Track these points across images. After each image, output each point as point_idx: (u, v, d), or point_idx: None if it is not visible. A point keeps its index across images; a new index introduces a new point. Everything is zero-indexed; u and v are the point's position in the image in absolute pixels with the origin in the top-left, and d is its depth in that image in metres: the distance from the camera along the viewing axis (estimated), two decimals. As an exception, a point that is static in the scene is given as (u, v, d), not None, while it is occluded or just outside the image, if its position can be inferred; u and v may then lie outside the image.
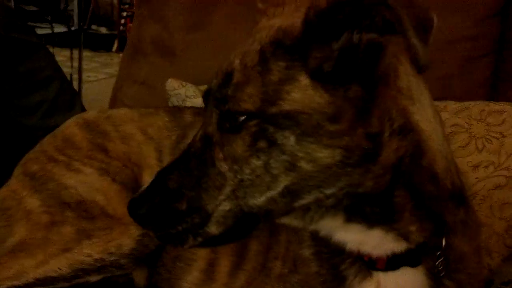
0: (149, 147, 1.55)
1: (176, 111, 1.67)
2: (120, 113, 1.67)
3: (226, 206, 0.97)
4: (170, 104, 2.01)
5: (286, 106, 0.91)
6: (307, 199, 0.96)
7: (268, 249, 1.35)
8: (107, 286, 1.44)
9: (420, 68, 0.83)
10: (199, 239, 1.00)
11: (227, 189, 0.97)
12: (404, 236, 1.03)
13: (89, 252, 1.35)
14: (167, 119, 1.60)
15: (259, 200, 0.96)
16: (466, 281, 1.14)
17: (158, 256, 1.50)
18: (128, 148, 1.56)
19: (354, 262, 1.12)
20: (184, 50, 2.20)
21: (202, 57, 2.14)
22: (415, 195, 1.00)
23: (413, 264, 1.08)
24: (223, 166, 0.97)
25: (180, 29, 2.22)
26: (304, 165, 0.92)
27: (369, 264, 1.10)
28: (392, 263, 1.07)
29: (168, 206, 0.99)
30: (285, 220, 1.04)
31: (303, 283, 1.20)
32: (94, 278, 1.38)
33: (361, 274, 1.12)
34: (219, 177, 0.97)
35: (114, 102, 2.36)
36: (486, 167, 1.61)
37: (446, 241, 1.08)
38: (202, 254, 1.44)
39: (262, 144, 0.92)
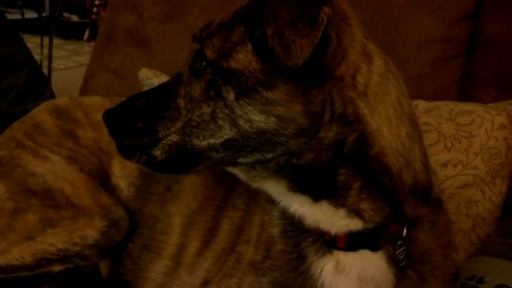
0: (121, 135, 1.54)
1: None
2: (92, 100, 1.65)
3: (174, 137, 1.06)
4: (142, 94, 1.99)
5: (232, 64, 1.00)
6: (249, 158, 1.04)
7: (240, 230, 1.36)
8: (74, 275, 1.43)
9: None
10: (144, 157, 1.09)
11: (178, 124, 1.06)
12: (356, 213, 1.06)
13: (53, 241, 1.34)
14: None
15: (201, 143, 1.04)
16: (430, 273, 1.17)
17: (123, 248, 1.49)
18: (98, 135, 1.54)
19: (316, 240, 1.15)
20: (158, 40, 2.18)
21: (176, 48, 2.12)
22: (365, 177, 1.04)
23: (372, 247, 1.11)
24: (181, 103, 1.07)
25: (154, 18, 2.20)
26: (243, 124, 0.99)
27: (330, 243, 1.13)
28: (352, 242, 1.10)
29: (128, 122, 1.10)
30: (232, 170, 1.13)
31: (274, 267, 1.22)
32: (57, 268, 1.37)
33: (321, 252, 1.15)
34: (175, 111, 1.07)
35: (85, 90, 2.32)
36: (455, 165, 1.64)
37: (408, 232, 1.11)
38: (172, 240, 1.44)
39: (212, 93, 1.02)
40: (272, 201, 1.21)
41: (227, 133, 1.01)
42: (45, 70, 4.12)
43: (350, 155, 1.03)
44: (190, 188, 1.46)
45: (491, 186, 1.62)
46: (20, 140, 1.50)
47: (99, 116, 1.54)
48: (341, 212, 1.06)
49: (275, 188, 1.10)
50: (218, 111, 1.01)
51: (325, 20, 0.90)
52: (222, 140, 1.02)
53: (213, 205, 1.43)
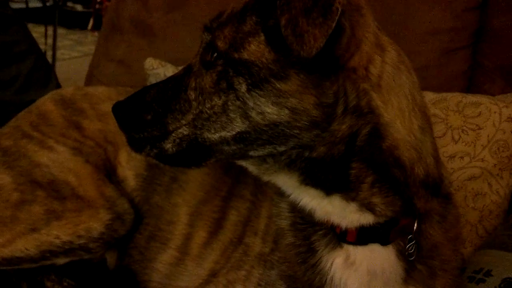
0: (127, 126, 1.54)
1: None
2: (98, 91, 1.64)
3: (184, 130, 1.06)
4: (148, 84, 1.98)
5: (245, 55, 0.99)
6: (260, 151, 1.03)
7: (247, 221, 1.35)
8: (80, 265, 1.43)
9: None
10: (155, 150, 1.09)
11: (189, 116, 1.05)
12: (368, 207, 1.05)
13: (58, 233, 1.33)
14: None
15: (213, 136, 1.04)
16: (439, 267, 1.16)
17: (129, 239, 1.49)
18: (104, 126, 1.54)
19: (326, 234, 1.15)
20: (163, 30, 2.17)
21: (181, 37, 2.12)
22: (377, 171, 1.04)
23: (383, 242, 1.10)
24: (191, 95, 1.06)
25: (159, 8, 2.19)
26: (255, 116, 0.98)
27: (340, 237, 1.12)
28: (362, 237, 1.10)
29: (137, 114, 1.09)
30: (242, 163, 1.12)
31: (282, 259, 1.21)
32: (61, 261, 1.38)
33: (331, 245, 1.14)
34: (186, 104, 1.06)
35: (90, 80, 2.32)
36: (462, 158, 1.63)
37: (418, 226, 1.11)
38: (179, 230, 1.44)
39: (223, 84, 1.01)
40: (281, 193, 1.20)
41: (239, 125, 1.00)
42: (49, 60, 4.12)
43: (363, 148, 1.02)
44: (196, 178, 1.46)
45: (498, 178, 1.62)
46: (26, 130, 1.50)
47: (105, 107, 1.56)
48: (353, 206, 1.06)
49: (287, 182, 1.09)
50: (229, 103, 1.00)
51: (339, 9, 0.89)
52: (234, 133, 1.01)
53: (219, 195, 1.43)
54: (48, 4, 5.58)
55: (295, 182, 1.07)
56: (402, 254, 1.12)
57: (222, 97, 1.01)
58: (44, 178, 1.41)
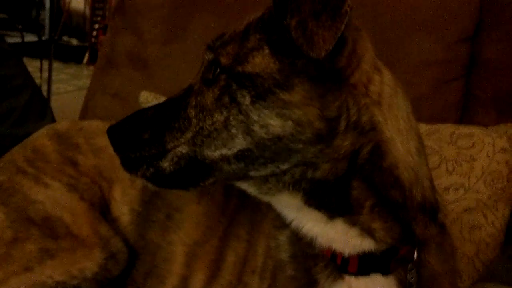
0: (122, 161, 1.53)
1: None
2: (93, 125, 1.64)
3: (183, 148, 1.05)
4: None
5: (249, 67, 1.00)
6: (263, 171, 1.03)
7: (245, 261, 1.34)
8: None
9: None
10: (151, 169, 1.07)
11: (189, 134, 1.05)
12: (368, 232, 1.06)
13: (51, 273, 1.31)
14: None
15: (213, 153, 1.03)
16: None
17: (125, 277, 1.47)
18: (99, 162, 1.53)
19: (327, 266, 1.14)
20: (159, 63, 2.19)
21: (177, 70, 2.13)
22: (377, 193, 1.04)
23: (384, 271, 1.10)
24: (191, 112, 1.06)
25: (155, 41, 2.21)
26: (258, 129, 0.98)
27: (342, 268, 1.11)
28: (363, 266, 1.09)
29: (133, 133, 1.09)
30: (242, 185, 1.10)
31: None
32: (54, 301, 1.34)
33: (333, 277, 1.13)
34: (186, 122, 1.06)
35: (85, 113, 2.32)
36: (456, 189, 1.63)
37: (418, 255, 1.10)
38: (175, 270, 1.42)
39: (225, 99, 1.01)
40: (279, 226, 1.20)
41: (240, 142, 1.00)
42: (44, 94, 4.13)
43: (364, 167, 1.03)
44: (191, 217, 1.45)
45: (493, 210, 1.61)
46: (21, 165, 1.49)
47: (100, 141, 1.56)
48: (354, 230, 1.06)
49: (289, 202, 1.09)
50: (231, 118, 1.00)
51: (348, 13, 0.92)
52: (235, 150, 1.01)
53: (216, 236, 1.42)
54: (43, 38, 5.63)
55: (298, 203, 1.07)
56: (402, 285, 1.11)
57: (224, 112, 1.01)
58: (38, 215, 1.39)
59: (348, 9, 0.92)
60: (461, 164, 1.65)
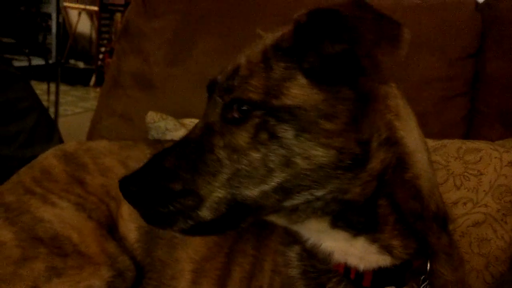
0: (129, 179, 1.53)
1: (157, 143, 1.67)
2: (100, 145, 1.65)
3: (220, 193, 0.99)
4: (149, 137, 2.00)
5: (287, 100, 0.97)
6: (297, 200, 1.00)
7: (252, 277, 1.33)
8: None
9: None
10: (190, 222, 1.00)
11: (223, 177, 0.99)
12: (387, 249, 1.05)
13: None
14: (147, 151, 1.59)
15: (253, 192, 0.99)
16: None
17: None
18: (107, 181, 1.54)
19: (340, 281, 1.12)
20: (164, 84, 2.20)
21: (182, 91, 2.15)
22: (397, 208, 1.04)
23: (398, 284, 1.09)
24: (221, 154, 1.00)
25: (160, 63, 2.23)
26: (300, 161, 0.96)
27: (355, 282, 1.10)
28: (378, 280, 1.08)
29: (162, 185, 0.99)
30: (273, 218, 1.07)
31: None
32: (61, 320, 1.34)
33: None
34: (216, 164, 1.00)
35: (92, 134, 2.33)
36: (465, 204, 1.63)
37: (430, 266, 1.10)
38: (182, 285, 1.42)
39: (263, 136, 0.97)
40: (287, 243, 1.19)
41: (280, 175, 0.98)
42: (52, 116, 4.16)
43: (388, 182, 1.03)
44: None
45: (503, 224, 1.60)
46: (29, 186, 1.50)
47: (107, 161, 1.57)
48: (374, 247, 1.06)
49: (316, 227, 1.07)
50: (270, 154, 0.97)
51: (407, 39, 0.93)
52: (274, 184, 0.98)
53: (222, 251, 1.41)
54: (50, 62, 5.68)
55: (325, 226, 1.06)
56: None
57: (262, 149, 0.98)
58: (46, 234, 1.40)
59: (407, 36, 0.93)
60: (469, 179, 1.65)
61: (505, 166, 1.65)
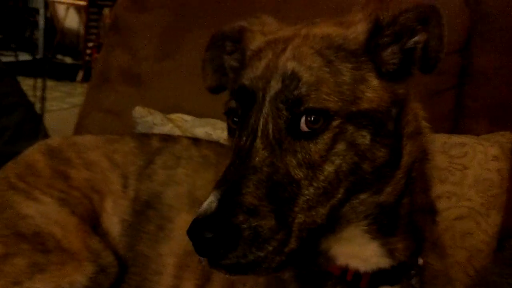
0: (114, 173, 1.53)
1: (143, 137, 1.67)
2: (85, 139, 1.65)
3: (300, 218, 0.90)
4: (137, 131, 2.00)
5: (364, 104, 0.94)
6: (346, 208, 0.97)
7: None
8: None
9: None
10: (279, 258, 0.88)
11: (301, 199, 0.90)
12: (390, 252, 1.04)
13: (41, 287, 1.31)
14: (133, 145, 1.59)
15: (326, 208, 0.93)
16: None
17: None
18: (91, 175, 1.53)
19: (336, 284, 1.10)
20: (152, 79, 2.20)
21: (170, 86, 2.14)
22: (412, 206, 1.04)
23: (392, 282, 1.08)
24: (298, 174, 0.91)
25: (149, 58, 2.22)
26: (366, 166, 0.94)
27: (352, 284, 1.08)
28: (374, 281, 1.07)
29: (253, 225, 0.85)
30: None
31: None
32: (43, 316, 1.33)
33: None
34: (294, 187, 0.90)
35: (79, 130, 2.32)
36: (449, 198, 1.64)
37: (422, 260, 1.10)
38: (166, 282, 1.42)
39: (340, 146, 0.92)
40: None
41: (344, 185, 0.93)
42: (38, 112, 4.13)
43: (414, 178, 1.02)
44: (182, 227, 1.43)
45: (486, 218, 1.62)
46: (13, 181, 1.49)
47: (92, 155, 1.56)
48: (381, 251, 1.04)
49: (347, 235, 1.02)
50: (344, 164, 0.92)
51: None
52: (340, 196, 0.93)
53: None
54: (37, 57, 5.64)
55: (357, 233, 1.02)
56: None
57: (336, 161, 0.91)
58: (29, 230, 1.39)
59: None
60: (453, 173, 1.66)
61: (490, 160, 1.66)
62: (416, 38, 0.97)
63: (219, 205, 0.85)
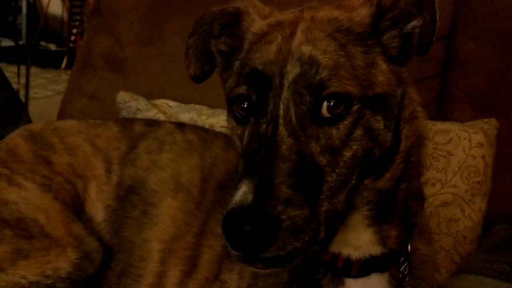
0: (97, 158, 1.51)
1: (126, 121, 1.65)
2: (67, 124, 1.62)
3: (325, 206, 0.88)
4: (121, 117, 1.98)
5: (378, 89, 0.94)
6: (354, 194, 0.96)
7: (222, 259, 1.32)
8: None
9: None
10: (313, 248, 0.86)
11: (325, 186, 0.89)
12: (383, 240, 1.05)
13: (24, 274, 1.29)
14: (116, 130, 1.56)
15: (342, 195, 0.92)
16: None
17: (100, 277, 1.44)
18: (74, 160, 1.51)
19: (327, 270, 1.10)
20: (136, 64, 2.18)
21: (154, 71, 2.12)
22: (408, 192, 1.04)
23: (382, 269, 1.09)
24: (322, 161, 0.89)
25: (131, 42, 2.20)
26: (376, 151, 0.93)
27: (342, 271, 1.08)
28: (365, 268, 1.08)
29: (291, 216, 0.82)
30: None
31: None
32: (27, 302, 1.32)
33: (335, 284, 1.10)
34: (319, 174, 0.88)
35: (62, 116, 2.30)
36: (434, 184, 1.64)
37: (411, 246, 1.10)
38: (151, 268, 1.40)
39: (358, 132, 0.91)
40: None
41: (356, 171, 0.92)
42: (22, 99, 4.09)
43: (412, 163, 1.02)
44: (167, 212, 1.43)
45: (470, 204, 1.63)
46: (-5, 167, 1.47)
47: (74, 140, 1.53)
48: (374, 238, 1.05)
49: (349, 222, 1.01)
50: (359, 150, 0.91)
51: None
52: (354, 182, 0.93)
53: (191, 231, 1.40)
54: (20, 43, 5.57)
55: (358, 220, 1.02)
56: (395, 278, 1.10)
57: (354, 146, 0.91)
58: (12, 216, 1.37)
59: None
60: (438, 160, 1.66)
61: (474, 147, 1.67)
62: (413, 23, 0.98)
63: (256, 196, 0.82)
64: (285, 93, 0.91)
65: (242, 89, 0.96)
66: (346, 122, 0.90)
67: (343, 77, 0.90)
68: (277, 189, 0.82)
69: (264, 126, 0.90)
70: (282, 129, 0.89)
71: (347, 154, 0.91)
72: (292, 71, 0.92)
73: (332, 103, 0.90)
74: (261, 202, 0.81)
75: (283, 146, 0.87)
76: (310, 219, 0.84)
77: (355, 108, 0.90)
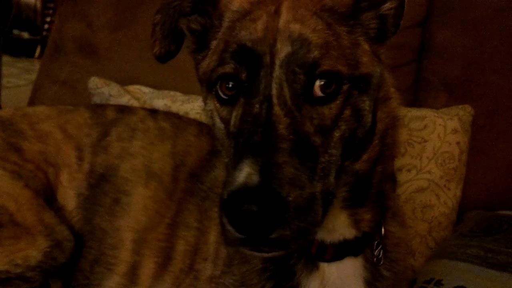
0: (68, 145, 1.48)
1: (98, 107, 1.62)
2: (37, 110, 1.59)
3: (319, 187, 0.86)
4: (93, 103, 1.94)
5: (363, 69, 0.93)
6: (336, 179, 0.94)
7: (196, 249, 1.31)
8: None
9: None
10: (316, 229, 0.85)
11: (319, 167, 0.87)
12: (356, 223, 1.05)
13: None
14: (87, 116, 1.54)
15: (333, 176, 0.90)
16: (401, 272, 1.16)
17: (73, 265, 1.43)
18: (44, 148, 1.48)
19: (300, 256, 1.09)
20: (108, 49, 2.14)
21: (127, 57, 2.09)
22: (384, 174, 1.04)
23: (355, 253, 1.08)
24: (316, 141, 0.87)
25: (104, 28, 2.15)
26: (359, 132, 0.93)
27: (316, 256, 1.08)
28: (339, 252, 1.07)
29: (297, 197, 0.80)
30: None
31: (238, 283, 1.16)
32: (-3, 291, 1.30)
33: (309, 269, 1.09)
34: (313, 155, 0.86)
35: (33, 103, 2.25)
36: (409, 170, 1.65)
37: (384, 229, 1.10)
38: (124, 257, 1.39)
39: (347, 112, 0.90)
40: None
41: (340, 152, 0.91)
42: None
43: (389, 144, 1.02)
44: (139, 201, 1.41)
45: (445, 190, 1.63)
46: (-36, 154, 1.42)
47: (45, 126, 1.50)
48: (348, 221, 1.04)
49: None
50: (346, 130, 0.90)
51: None
52: (340, 163, 0.91)
53: (164, 222, 1.38)
54: (-8, 30, 5.44)
55: (337, 203, 1.00)
56: (369, 261, 1.10)
57: (342, 127, 0.90)
58: None
59: None
60: (413, 146, 1.67)
61: (449, 133, 1.67)
62: (387, 5, 0.98)
63: (262, 177, 0.78)
64: (277, 72, 0.89)
65: (229, 68, 0.92)
66: (337, 102, 0.89)
67: (333, 56, 0.89)
68: (283, 169, 0.80)
69: (257, 106, 0.88)
70: (277, 109, 0.87)
71: (337, 134, 0.90)
72: (283, 49, 0.89)
73: (323, 82, 0.89)
74: (269, 182, 0.78)
75: (281, 126, 0.85)
76: (311, 199, 0.83)
77: (345, 87, 0.90)
